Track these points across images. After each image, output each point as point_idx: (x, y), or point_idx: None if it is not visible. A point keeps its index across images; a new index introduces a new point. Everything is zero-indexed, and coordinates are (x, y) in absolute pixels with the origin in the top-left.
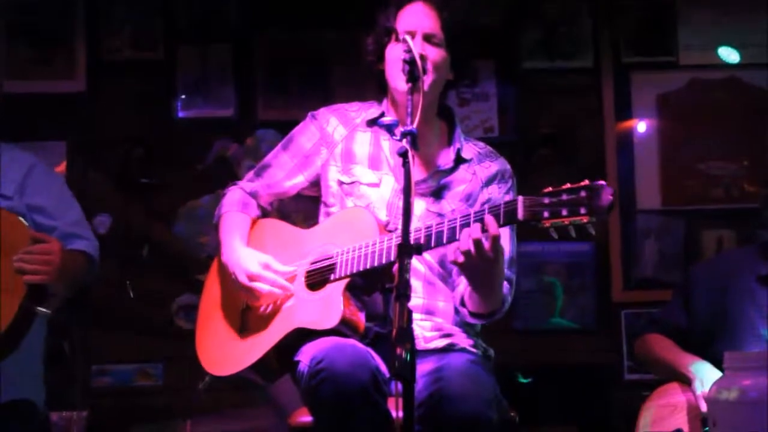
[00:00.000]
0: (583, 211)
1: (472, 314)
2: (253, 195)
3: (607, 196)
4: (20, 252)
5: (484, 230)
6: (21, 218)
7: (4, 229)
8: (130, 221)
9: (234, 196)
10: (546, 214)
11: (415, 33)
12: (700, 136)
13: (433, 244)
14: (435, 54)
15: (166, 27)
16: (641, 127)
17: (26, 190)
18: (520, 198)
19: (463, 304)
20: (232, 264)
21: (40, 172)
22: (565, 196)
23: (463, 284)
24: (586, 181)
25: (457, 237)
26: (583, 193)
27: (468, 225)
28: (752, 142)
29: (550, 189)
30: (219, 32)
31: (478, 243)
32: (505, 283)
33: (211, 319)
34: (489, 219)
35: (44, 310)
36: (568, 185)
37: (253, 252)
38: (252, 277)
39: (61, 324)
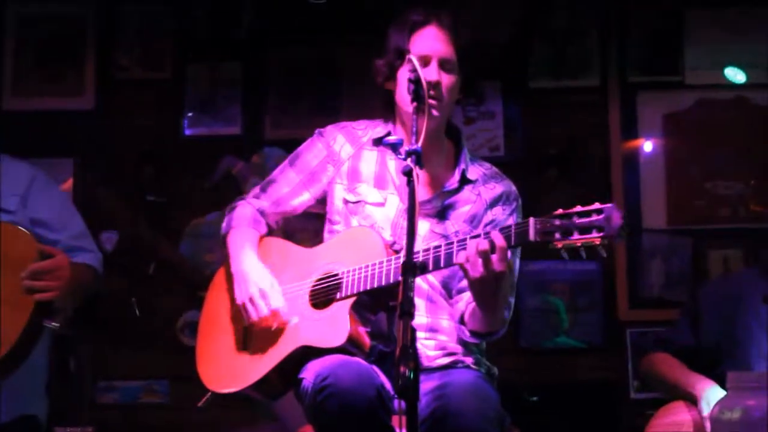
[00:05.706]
0: (595, 233)
1: (472, 333)
2: (262, 213)
3: (618, 219)
4: (28, 270)
5: (492, 245)
6: (26, 231)
7: (11, 244)
8: (137, 238)
9: (245, 211)
10: (557, 236)
11: (430, 59)
12: (706, 155)
13: (442, 265)
14: (449, 81)
15: (174, 46)
16: (647, 146)
17: (28, 203)
18: (532, 220)
19: (462, 321)
20: (244, 274)
21: (41, 185)
22: (576, 219)
23: (463, 301)
24: (597, 204)
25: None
26: (594, 216)
27: None
28: (759, 161)
29: (561, 211)
30: (228, 51)
31: (485, 254)
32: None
33: (212, 335)
34: (495, 233)
35: (54, 324)
36: (579, 208)
37: (265, 269)
38: (263, 294)
39: (67, 340)
